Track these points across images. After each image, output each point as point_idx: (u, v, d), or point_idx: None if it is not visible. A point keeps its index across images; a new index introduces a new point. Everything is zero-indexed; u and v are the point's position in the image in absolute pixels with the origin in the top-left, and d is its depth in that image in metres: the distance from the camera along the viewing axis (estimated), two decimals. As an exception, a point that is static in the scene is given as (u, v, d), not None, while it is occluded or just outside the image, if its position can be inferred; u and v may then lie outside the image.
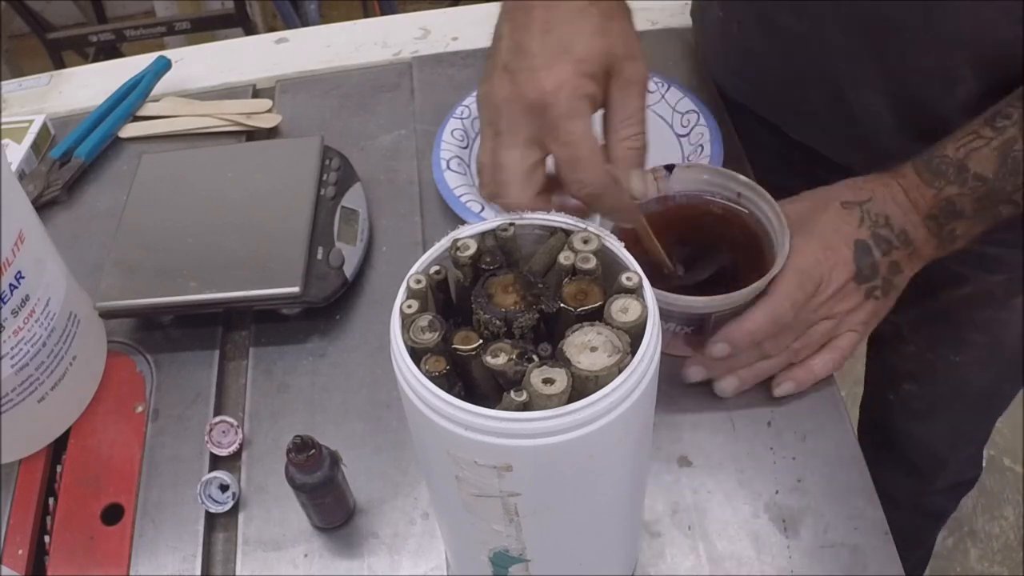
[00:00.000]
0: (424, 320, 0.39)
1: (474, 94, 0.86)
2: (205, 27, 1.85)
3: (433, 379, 0.37)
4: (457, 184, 0.77)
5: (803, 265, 0.58)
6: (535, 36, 0.47)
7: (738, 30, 0.76)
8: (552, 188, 0.48)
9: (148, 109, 0.91)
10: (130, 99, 0.90)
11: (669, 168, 0.62)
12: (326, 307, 0.70)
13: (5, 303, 0.55)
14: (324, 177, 0.76)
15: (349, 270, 0.71)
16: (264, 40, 1.01)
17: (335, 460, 0.55)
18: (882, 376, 0.94)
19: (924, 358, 0.86)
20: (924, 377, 0.88)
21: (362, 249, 0.74)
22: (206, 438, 0.62)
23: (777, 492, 0.58)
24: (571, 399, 0.36)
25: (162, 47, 1.75)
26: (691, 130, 0.80)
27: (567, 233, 0.43)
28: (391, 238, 0.77)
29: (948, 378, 0.86)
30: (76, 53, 1.94)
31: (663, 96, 0.83)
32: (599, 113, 0.48)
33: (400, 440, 0.63)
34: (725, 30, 0.79)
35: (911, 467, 0.96)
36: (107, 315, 0.68)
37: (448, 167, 0.78)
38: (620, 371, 0.36)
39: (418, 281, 0.40)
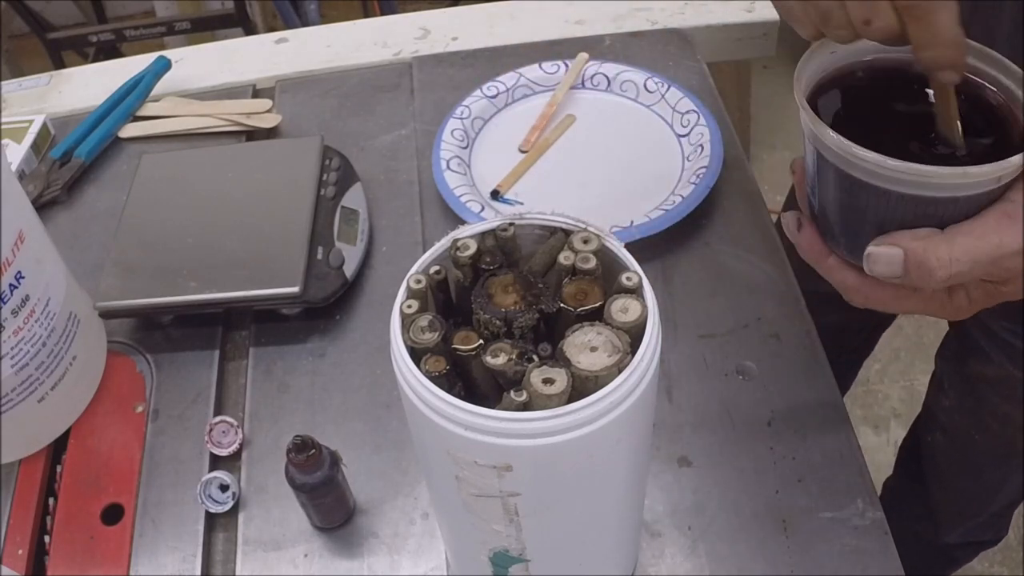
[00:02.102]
0: (424, 320, 0.39)
1: (474, 94, 0.87)
2: (205, 27, 1.85)
3: (433, 379, 0.37)
4: (457, 184, 0.77)
5: None
6: None
7: None
8: None
9: (148, 109, 0.91)
10: (130, 99, 0.90)
11: None
12: (326, 307, 0.70)
13: (5, 303, 0.55)
14: (324, 177, 0.76)
15: (349, 270, 0.71)
16: (264, 40, 1.01)
17: (335, 460, 0.55)
18: (929, 410, 0.91)
19: (953, 419, 0.85)
20: (950, 435, 0.86)
21: (362, 249, 0.74)
22: (206, 438, 0.62)
23: (777, 492, 0.58)
24: (571, 399, 0.36)
25: (162, 47, 1.75)
26: (691, 130, 0.80)
27: (567, 233, 0.42)
28: (391, 238, 0.77)
29: (965, 449, 0.85)
30: (76, 53, 1.94)
31: (663, 96, 0.83)
32: None
33: (400, 440, 0.63)
34: None
35: (928, 511, 0.96)
36: (107, 315, 0.68)
37: (448, 167, 0.79)
38: (620, 371, 0.36)
39: (418, 281, 0.40)
